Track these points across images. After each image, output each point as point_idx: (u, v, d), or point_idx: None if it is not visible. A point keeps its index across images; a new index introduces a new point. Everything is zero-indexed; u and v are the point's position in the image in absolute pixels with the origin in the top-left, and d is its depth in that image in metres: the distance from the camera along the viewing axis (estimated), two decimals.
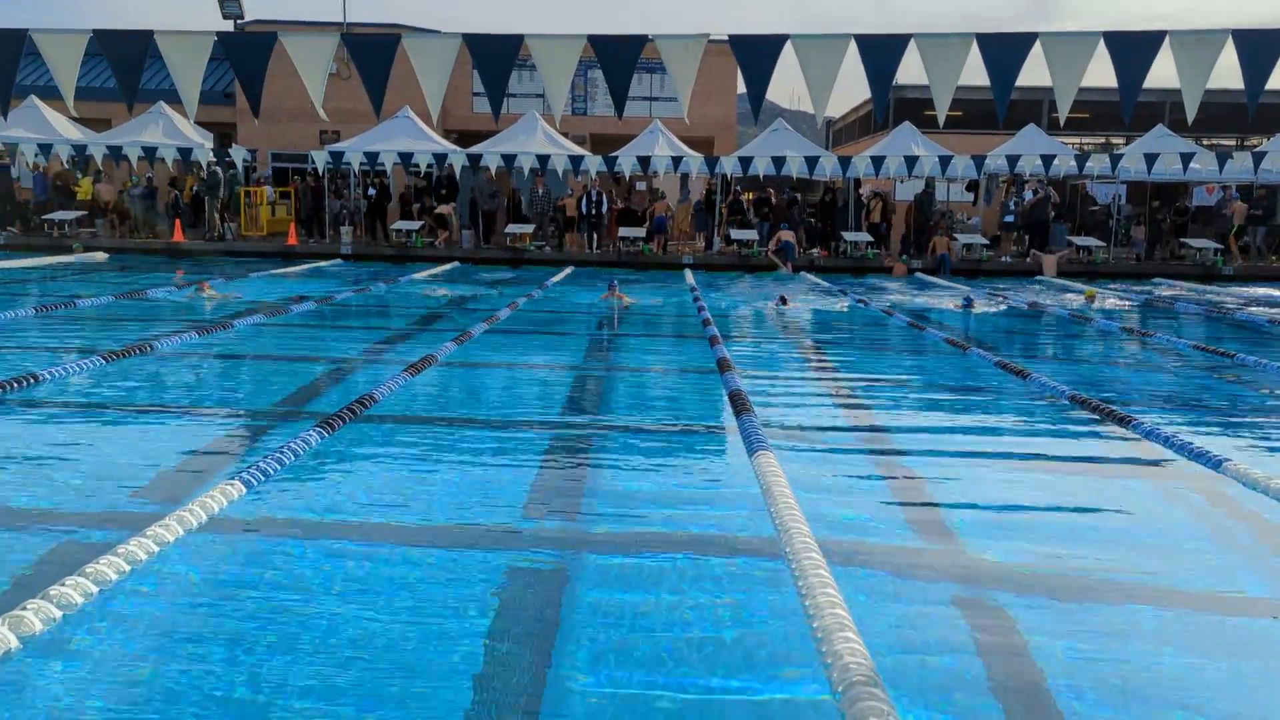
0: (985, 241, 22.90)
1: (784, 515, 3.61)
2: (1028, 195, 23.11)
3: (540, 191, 23.45)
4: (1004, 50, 8.41)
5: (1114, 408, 6.07)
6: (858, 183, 24.17)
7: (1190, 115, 8.42)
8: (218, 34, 9.02)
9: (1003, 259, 22.17)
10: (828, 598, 2.83)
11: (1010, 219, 23.29)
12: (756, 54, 8.82)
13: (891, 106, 27.52)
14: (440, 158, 22.03)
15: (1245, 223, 22.24)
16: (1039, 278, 19.41)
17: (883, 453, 5.40)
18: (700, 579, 3.35)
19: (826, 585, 2.92)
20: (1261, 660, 2.98)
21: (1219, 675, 2.84)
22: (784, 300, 12.60)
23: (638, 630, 2.94)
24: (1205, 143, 26.62)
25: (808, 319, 11.69)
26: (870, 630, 2.73)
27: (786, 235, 20.91)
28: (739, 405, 5.79)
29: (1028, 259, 21.51)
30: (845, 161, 22.62)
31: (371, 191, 23.71)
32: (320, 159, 21.93)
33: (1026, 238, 22.95)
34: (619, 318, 11.48)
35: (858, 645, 2.53)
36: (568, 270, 18.75)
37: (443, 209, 22.84)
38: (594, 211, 22.39)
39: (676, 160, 22.07)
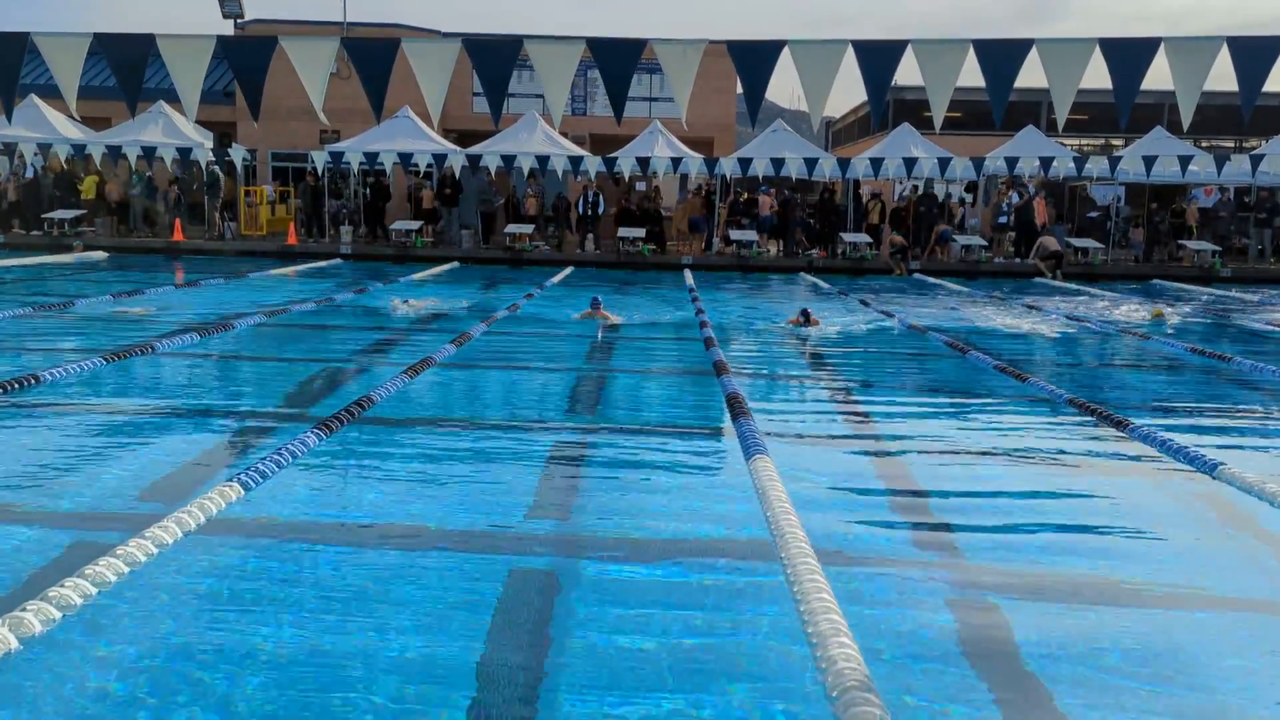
0: (984, 243, 22.92)
1: (780, 520, 3.63)
2: (1014, 197, 23.16)
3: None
4: (1000, 56, 8.42)
5: (1111, 411, 6.09)
6: (856, 184, 24.18)
7: (1186, 121, 8.45)
8: (219, 38, 9.02)
9: (997, 260, 22.20)
10: (822, 603, 2.85)
11: (1004, 220, 23.35)
12: (754, 59, 8.83)
13: (891, 107, 27.50)
14: (440, 158, 22.04)
15: (1195, 225, 23.06)
16: (1038, 279, 19.40)
17: (880, 456, 5.42)
18: (697, 582, 3.38)
19: (821, 590, 2.94)
20: (1256, 660, 3.01)
21: (1214, 675, 2.87)
22: (807, 316, 10.76)
23: (633, 633, 2.97)
24: (1203, 145, 26.65)
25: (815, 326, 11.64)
26: (865, 635, 2.75)
27: (766, 205, 22.59)
28: (736, 409, 5.81)
29: (1018, 260, 21.59)
30: (844, 163, 22.62)
31: (367, 192, 23.64)
32: (320, 159, 21.94)
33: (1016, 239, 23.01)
34: (603, 335, 10.12)
35: (852, 650, 2.55)
36: (568, 270, 18.77)
37: (424, 194, 22.80)
38: (591, 212, 22.40)
39: (676, 161, 22.08)
